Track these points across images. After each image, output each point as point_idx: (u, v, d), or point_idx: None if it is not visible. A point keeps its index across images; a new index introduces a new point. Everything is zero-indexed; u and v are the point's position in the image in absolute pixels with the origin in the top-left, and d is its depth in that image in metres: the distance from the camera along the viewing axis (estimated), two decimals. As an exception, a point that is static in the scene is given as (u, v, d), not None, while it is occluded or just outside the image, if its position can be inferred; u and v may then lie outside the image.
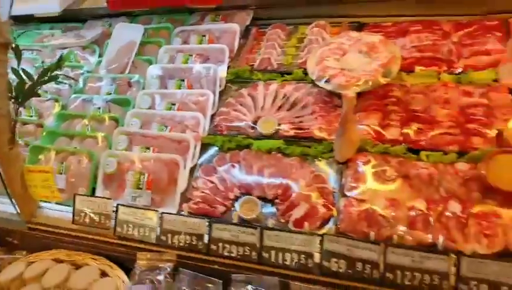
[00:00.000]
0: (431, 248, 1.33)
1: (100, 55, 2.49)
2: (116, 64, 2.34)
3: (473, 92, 1.69)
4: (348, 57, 1.82)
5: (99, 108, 2.17)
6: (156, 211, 1.57)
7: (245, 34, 2.37)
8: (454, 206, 1.41)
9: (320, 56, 1.87)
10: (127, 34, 2.40)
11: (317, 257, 1.33)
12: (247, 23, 2.40)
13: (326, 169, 1.68)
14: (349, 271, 1.29)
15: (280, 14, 2.47)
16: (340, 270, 1.31)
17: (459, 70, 1.81)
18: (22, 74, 1.64)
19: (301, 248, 1.35)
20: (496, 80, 1.72)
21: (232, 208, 1.66)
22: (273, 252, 1.38)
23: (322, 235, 1.33)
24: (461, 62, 1.82)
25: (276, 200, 1.63)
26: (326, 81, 1.78)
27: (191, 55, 2.24)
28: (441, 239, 1.35)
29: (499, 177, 1.41)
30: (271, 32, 2.26)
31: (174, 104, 2.05)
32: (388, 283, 1.25)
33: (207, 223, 1.47)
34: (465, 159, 1.53)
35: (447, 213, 1.40)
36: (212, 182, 1.75)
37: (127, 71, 2.30)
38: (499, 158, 1.43)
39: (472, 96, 1.67)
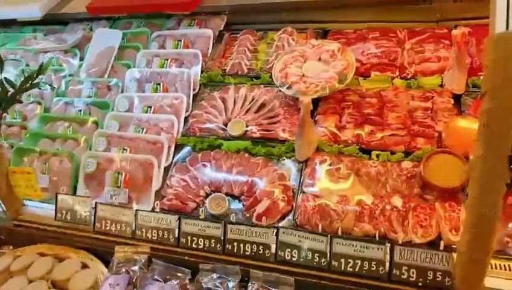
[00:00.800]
0: (374, 239, 1.51)
1: (81, 59, 2.61)
2: (96, 68, 2.46)
3: (420, 97, 1.86)
4: (308, 64, 1.98)
5: (80, 110, 2.30)
6: (131, 208, 1.72)
7: (218, 38, 2.51)
8: (397, 201, 1.59)
9: (284, 63, 2.03)
10: (106, 39, 2.52)
11: (273, 248, 1.50)
12: (221, 28, 2.54)
13: (288, 168, 1.85)
14: (301, 259, 1.46)
15: (252, 19, 2.62)
16: (293, 259, 1.48)
17: (410, 75, 1.97)
18: (4, 82, 1.77)
19: (259, 240, 1.51)
20: (441, 85, 1.89)
21: (202, 204, 1.82)
22: (235, 244, 1.55)
23: (277, 228, 1.50)
24: (412, 68, 1.99)
25: (242, 197, 1.80)
26: (288, 87, 1.94)
27: (167, 60, 2.37)
28: (383, 230, 1.53)
29: (434, 175, 1.59)
30: (242, 38, 2.41)
31: (150, 107, 2.19)
32: (334, 270, 1.43)
33: (177, 219, 1.63)
34: (410, 158, 1.70)
35: (391, 207, 1.58)
36: (184, 180, 1.90)
37: (106, 75, 2.42)
38: (435, 158, 1.61)
39: (418, 100, 1.84)
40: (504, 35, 1.03)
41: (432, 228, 1.51)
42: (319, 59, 1.98)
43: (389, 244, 1.39)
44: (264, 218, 1.60)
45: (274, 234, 1.50)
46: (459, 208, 1.51)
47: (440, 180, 1.57)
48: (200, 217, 1.63)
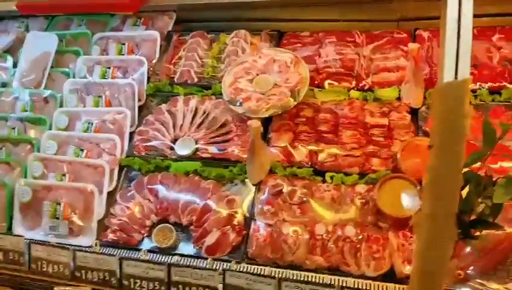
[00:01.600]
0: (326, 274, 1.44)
1: (15, 64, 2.36)
2: (31, 76, 2.23)
3: (376, 112, 1.76)
4: (259, 79, 1.83)
5: (14, 128, 2.08)
6: (68, 248, 1.58)
7: (167, 38, 2.31)
8: (350, 231, 1.52)
9: (234, 76, 1.87)
10: (40, 43, 2.27)
11: (220, 290, 1.42)
12: (169, 28, 2.33)
13: (241, 192, 1.74)
14: (249, 303, 1.39)
15: (203, 16, 2.42)
16: (242, 302, 1.40)
17: (367, 86, 1.87)
18: None
19: (206, 283, 1.43)
20: (399, 98, 1.80)
21: (149, 236, 1.70)
22: (180, 287, 1.45)
23: (224, 271, 1.41)
24: (369, 79, 1.88)
25: (191, 227, 1.69)
26: (239, 104, 1.80)
27: (109, 68, 2.17)
28: (335, 262, 1.47)
29: (388, 202, 1.52)
30: (192, 41, 2.22)
31: (91, 123, 2.01)
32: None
33: (118, 260, 1.51)
34: (364, 180, 1.63)
35: (343, 237, 1.51)
36: (129, 208, 1.77)
37: (42, 85, 2.20)
38: (389, 183, 1.54)
39: (374, 116, 1.75)
40: (452, 84, 0.92)
41: (385, 260, 1.45)
42: (271, 72, 1.84)
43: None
44: (216, 251, 1.52)
45: (220, 276, 1.41)
46: (412, 237, 1.46)
47: (393, 208, 1.50)
48: (142, 258, 1.52)
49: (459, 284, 1.37)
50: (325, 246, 1.51)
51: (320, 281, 1.38)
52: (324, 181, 1.67)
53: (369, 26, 2.12)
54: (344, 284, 1.38)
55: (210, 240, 1.61)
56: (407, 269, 1.40)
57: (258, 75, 1.85)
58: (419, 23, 2.08)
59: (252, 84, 1.82)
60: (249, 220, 1.65)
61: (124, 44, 2.26)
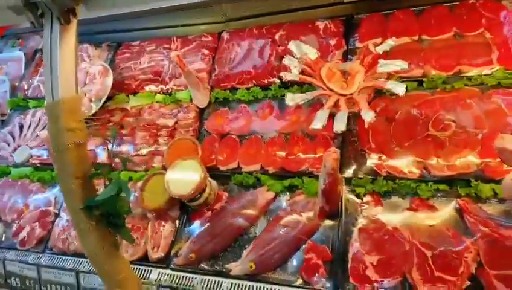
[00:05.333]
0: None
1: None
2: None
3: (167, 114, 1.95)
4: (70, 91, 2.07)
5: None
6: None
7: (33, 56, 2.59)
8: (122, 222, 1.75)
9: (54, 89, 2.12)
10: None
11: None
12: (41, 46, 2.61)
13: (54, 193, 2.00)
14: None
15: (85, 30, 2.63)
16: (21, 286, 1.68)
17: (170, 90, 2.05)
18: None
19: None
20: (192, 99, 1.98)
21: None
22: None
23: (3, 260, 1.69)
24: (172, 82, 2.06)
25: (13, 223, 1.98)
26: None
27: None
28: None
29: (151, 195, 1.72)
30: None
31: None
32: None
33: None
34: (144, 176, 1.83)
35: (116, 228, 1.74)
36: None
37: None
38: (155, 178, 1.73)
39: (165, 118, 1.94)
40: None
41: (141, 246, 1.67)
42: (81, 83, 2.07)
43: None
44: (23, 244, 1.83)
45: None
46: (164, 225, 1.66)
47: (151, 201, 1.70)
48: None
49: (192, 265, 1.56)
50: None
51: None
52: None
53: (203, 30, 2.26)
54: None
55: (22, 234, 1.90)
56: (153, 254, 1.62)
57: (71, 87, 2.08)
58: (241, 22, 2.22)
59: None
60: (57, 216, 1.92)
61: (-5, 65, 2.57)
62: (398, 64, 1.37)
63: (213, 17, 2.28)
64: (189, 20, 2.34)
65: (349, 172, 1.54)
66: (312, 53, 1.58)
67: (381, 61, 1.42)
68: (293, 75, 1.52)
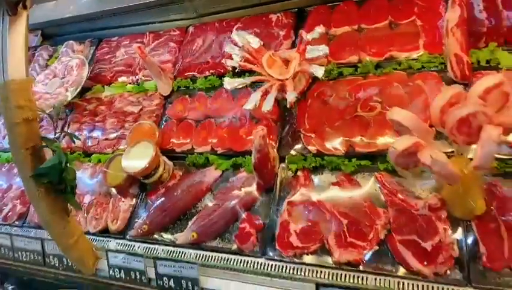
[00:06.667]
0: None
1: None
2: None
3: (134, 102, 2.13)
4: (51, 82, 2.27)
5: None
6: None
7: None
8: (87, 198, 1.93)
9: (37, 80, 2.34)
10: None
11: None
12: (34, 44, 2.84)
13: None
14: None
15: (69, 29, 2.85)
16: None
17: (140, 80, 2.23)
18: None
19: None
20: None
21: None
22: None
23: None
24: (141, 73, 2.23)
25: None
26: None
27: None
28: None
29: (113, 175, 1.89)
30: (37, 54, 2.70)
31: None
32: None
33: None
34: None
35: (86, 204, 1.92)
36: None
37: None
38: (116, 160, 1.90)
39: (132, 105, 2.12)
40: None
41: (103, 219, 1.84)
42: (60, 76, 2.27)
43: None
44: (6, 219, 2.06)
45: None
46: (123, 200, 1.83)
47: (113, 178, 1.87)
48: None
49: (145, 236, 1.72)
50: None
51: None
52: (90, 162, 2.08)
53: (177, 26, 2.43)
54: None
55: (5, 210, 2.11)
56: (112, 226, 1.78)
57: (52, 78, 2.29)
58: (212, 17, 2.38)
59: (45, 87, 2.27)
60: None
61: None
62: (321, 49, 1.50)
63: (186, 13, 2.46)
64: (165, 17, 2.53)
65: (286, 151, 1.67)
66: (255, 42, 1.71)
67: (308, 47, 1.54)
68: (234, 62, 1.66)
